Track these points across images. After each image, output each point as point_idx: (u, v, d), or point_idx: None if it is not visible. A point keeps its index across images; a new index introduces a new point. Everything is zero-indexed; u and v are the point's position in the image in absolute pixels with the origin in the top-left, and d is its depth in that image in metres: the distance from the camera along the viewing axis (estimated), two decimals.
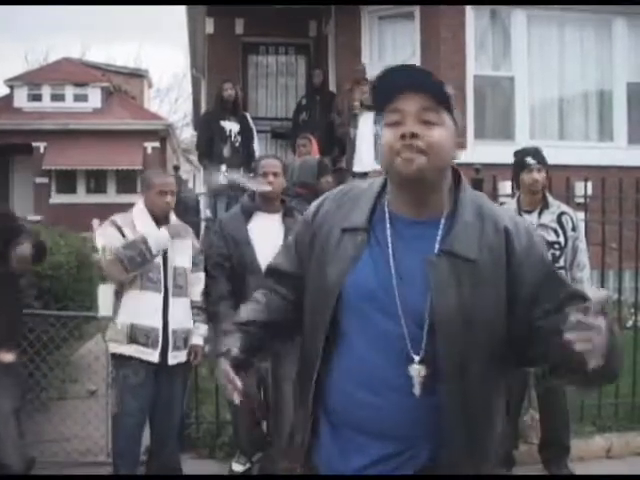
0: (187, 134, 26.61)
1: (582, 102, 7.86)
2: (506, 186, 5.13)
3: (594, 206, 4.74)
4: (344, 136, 7.28)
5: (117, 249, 3.32)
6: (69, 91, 22.09)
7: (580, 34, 7.75)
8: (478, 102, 7.43)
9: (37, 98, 21.93)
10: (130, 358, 3.38)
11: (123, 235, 3.40)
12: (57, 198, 21.43)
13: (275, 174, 3.76)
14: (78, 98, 22.09)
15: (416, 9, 7.52)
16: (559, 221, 3.81)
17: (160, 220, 3.53)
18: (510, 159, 4.01)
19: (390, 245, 1.55)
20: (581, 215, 4.26)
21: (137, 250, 3.33)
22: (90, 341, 5.93)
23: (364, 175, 6.28)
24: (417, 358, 1.49)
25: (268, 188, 3.73)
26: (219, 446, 4.26)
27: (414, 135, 1.49)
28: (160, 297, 3.43)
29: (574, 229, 3.81)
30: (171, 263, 3.50)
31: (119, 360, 3.44)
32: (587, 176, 4.76)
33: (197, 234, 4.69)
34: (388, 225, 1.58)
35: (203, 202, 7.23)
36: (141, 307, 3.39)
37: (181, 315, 3.52)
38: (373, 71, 6.83)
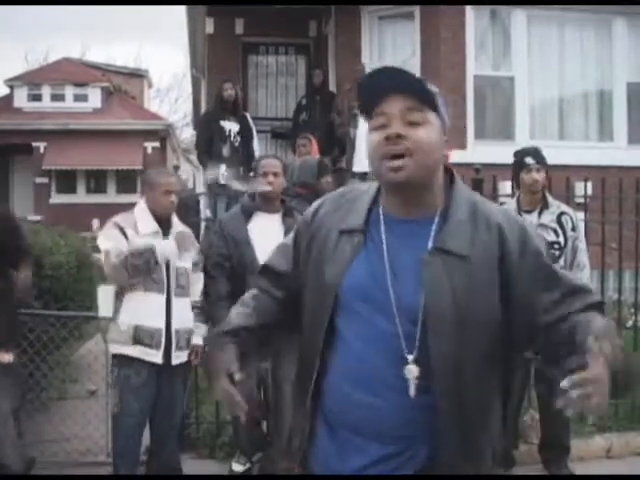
0: (187, 134, 26.65)
1: (582, 102, 7.85)
2: (506, 186, 5.13)
3: (594, 206, 4.74)
4: (344, 136, 7.28)
5: (123, 255, 3.30)
6: (69, 91, 22.09)
7: (580, 34, 7.75)
8: (478, 102, 7.43)
9: (37, 98, 21.94)
10: (132, 359, 3.38)
11: (126, 236, 3.39)
12: (57, 198, 21.44)
13: (275, 174, 3.76)
14: (78, 98, 22.10)
15: (416, 9, 7.52)
16: (559, 221, 3.81)
17: (162, 220, 3.52)
18: (510, 159, 4.01)
19: (385, 244, 1.56)
20: (581, 215, 4.27)
21: (143, 259, 3.33)
22: (90, 341, 5.94)
23: (364, 175, 6.28)
24: (411, 357, 1.49)
25: (268, 188, 3.73)
26: (219, 446, 4.26)
27: (399, 136, 1.50)
28: (163, 298, 3.43)
29: (574, 229, 3.82)
30: (173, 264, 3.50)
31: (121, 360, 3.43)
32: (587, 176, 4.76)
33: (197, 234, 4.69)
34: (382, 225, 1.59)
35: (203, 202, 7.23)
36: (145, 308, 3.38)
37: (183, 315, 3.52)
38: None
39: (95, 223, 19.40)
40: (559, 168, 4.76)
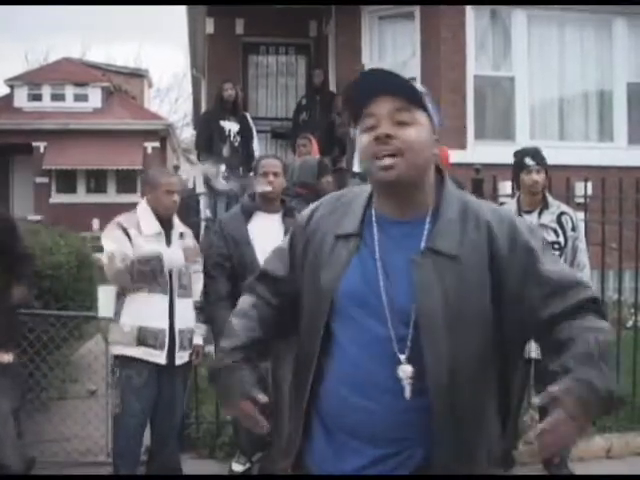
0: (187, 134, 26.66)
1: (582, 102, 7.85)
2: (506, 186, 5.13)
3: (594, 206, 4.74)
4: (344, 136, 7.28)
5: (129, 260, 3.30)
6: (69, 91, 22.10)
7: (580, 34, 7.75)
8: (478, 102, 7.43)
9: (37, 98, 21.95)
10: (133, 359, 3.37)
11: (129, 237, 3.38)
12: (57, 198, 21.45)
13: (275, 174, 3.76)
14: (78, 98, 22.11)
15: (416, 9, 7.52)
16: (559, 221, 3.81)
17: (164, 220, 3.52)
18: (510, 159, 4.01)
19: (377, 247, 1.56)
20: (581, 215, 4.27)
21: (150, 267, 3.33)
22: (90, 341, 5.94)
23: (364, 175, 6.28)
24: (403, 357, 1.49)
25: (268, 188, 3.73)
26: (219, 446, 4.26)
27: (389, 136, 1.51)
28: (166, 298, 3.43)
29: (574, 229, 3.82)
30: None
31: (122, 361, 3.42)
32: (587, 176, 4.76)
33: (197, 234, 4.69)
34: (375, 227, 1.59)
35: (203, 202, 7.24)
36: (149, 309, 3.37)
37: (186, 315, 3.52)
38: None
39: (95, 223, 19.45)
40: (559, 168, 4.76)
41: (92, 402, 4.68)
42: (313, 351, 1.59)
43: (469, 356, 1.49)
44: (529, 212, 3.85)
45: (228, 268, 3.70)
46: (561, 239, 3.79)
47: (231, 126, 7.30)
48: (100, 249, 3.59)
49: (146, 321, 3.36)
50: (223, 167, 7.16)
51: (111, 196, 21.44)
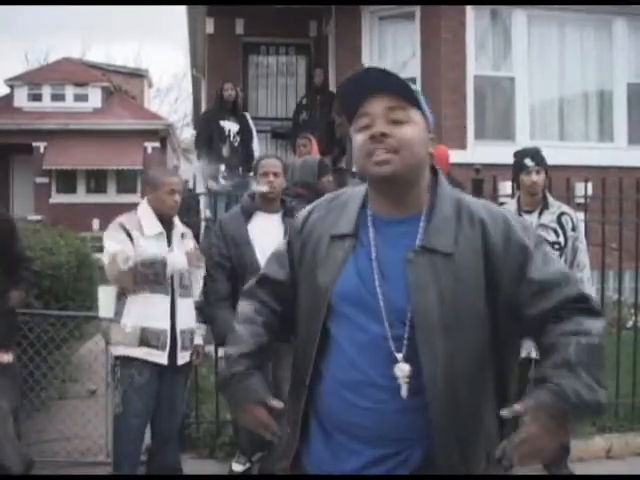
0: (187, 134, 26.67)
1: (582, 102, 7.86)
2: (506, 186, 5.13)
3: (594, 206, 4.74)
4: (344, 136, 7.27)
5: (132, 262, 3.29)
6: (69, 91, 22.11)
7: (580, 34, 7.75)
8: (478, 102, 7.43)
9: (37, 98, 21.96)
10: (135, 359, 3.36)
11: (131, 238, 3.38)
12: (57, 198, 21.46)
13: (275, 174, 3.76)
14: (78, 98, 22.12)
15: (416, 9, 7.52)
16: (559, 221, 3.81)
17: (165, 220, 3.52)
18: (510, 159, 4.01)
19: (373, 246, 1.57)
20: (581, 215, 4.26)
21: (154, 270, 3.33)
22: (90, 341, 5.92)
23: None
24: (400, 356, 1.50)
25: (264, 189, 3.73)
26: (219, 446, 4.26)
27: (384, 135, 1.51)
28: (168, 299, 3.42)
29: (574, 229, 3.81)
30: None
31: (123, 361, 3.41)
32: (587, 176, 4.76)
33: (197, 234, 4.69)
34: (371, 227, 1.59)
35: (203, 202, 7.23)
36: (151, 310, 3.36)
37: (187, 315, 3.52)
38: None
39: (95, 223, 19.46)
40: (559, 168, 4.76)
41: (92, 402, 4.68)
42: (310, 352, 1.59)
43: (465, 356, 1.49)
44: (529, 212, 3.85)
45: (228, 268, 3.70)
46: (561, 239, 3.78)
47: (231, 126, 7.30)
48: (100, 249, 3.58)
49: (148, 322, 3.35)
50: (223, 167, 7.17)
51: (111, 196, 21.46)
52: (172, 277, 3.44)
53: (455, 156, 5.64)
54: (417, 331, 1.48)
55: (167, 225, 3.53)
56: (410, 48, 7.68)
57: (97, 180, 22.00)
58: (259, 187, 3.77)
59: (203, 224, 6.27)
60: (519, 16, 7.47)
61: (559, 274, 1.55)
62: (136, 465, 3.50)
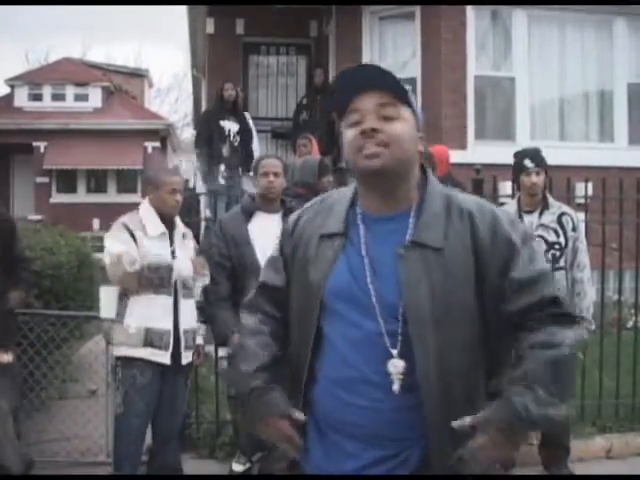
0: (187, 134, 26.67)
1: (583, 103, 7.85)
2: (506, 186, 5.13)
3: (595, 207, 4.74)
4: None
5: (139, 265, 3.29)
6: (70, 91, 22.12)
7: (581, 34, 7.75)
8: (479, 102, 7.42)
9: (38, 98, 21.97)
10: (137, 359, 3.36)
11: (134, 239, 3.38)
12: (57, 198, 21.47)
13: (276, 174, 3.76)
14: (79, 98, 22.13)
15: (417, 9, 7.51)
16: (559, 221, 3.81)
17: (167, 220, 3.52)
18: (511, 159, 4.01)
19: (363, 243, 1.57)
20: (582, 216, 4.26)
21: (159, 275, 3.33)
22: (90, 341, 5.93)
23: None
24: (395, 352, 1.50)
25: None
26: (219, 446, 4.26)
27: (374, 130, 1.52)
28: (171, 299, 3.42)
29: (574, 229, 3.81)
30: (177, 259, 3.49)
31: (126, 361, 3.40)
32: (588, 177, 4.76)
33: (197, 234, 4.69)
34: (361, 225, 1.60)
35: (203, 202, 7.24)
36: (154, 310, 3.36)
37: (190, 315, 3.52)
38: None
39: (95, 223, 19.46)
40: (560, 169, 4.75)
41: (92, 402, 4.69)
42: (305, 353, 1.59)
43: (456, 351, 1.50)
44: (529, 212, 3.85)
45: (228, 268, 3.70)
46: (562, 239, 3.78)
47: (231, 126, 7.31)
48: (101, 249, 3.58)
49: (152, 322, 3.35)
50: (223, 167, 7.17)
51: (111, 196, 21.46)
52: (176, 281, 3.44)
53: (455, 156, 5.63)
54: (410, 326, 1.49)
55: (169, 225, 3.52)
56: (410, 48, 7.68)
57: (97, 180, 22.01)
58: (257, 187, 3.79)
59: (203, 224, 6.28)
60: (519, 16, 7.46)
61: (539, 274, 1.55)
62: (137, 465, 3.50)
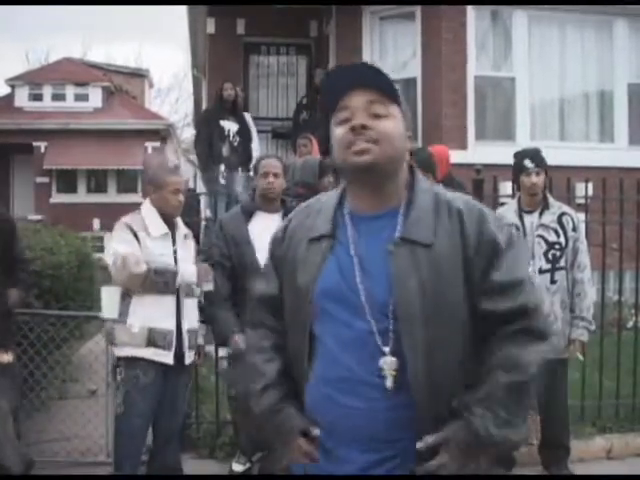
0: (188, 134, 26.68)
1: (583, 103, 7.85)
2: (507, 186, 5.12)
3: (595, 207, 4.74)
4: None
5: (145, 268, 3.28)
6: (70, 91, 22.12)
7: (581, 35, 7.75)
8: (479, 103, 7.42)
9: (38, 98, 21.97)
10: (139, 359, 3.35)
11: (137, 239, 3.37)
12: (58, 198, 21.46)
13: (275, 174, 3.76)
14: (79, 98, 22.13)
15: (417, 9, 7.52)
16: (560, 221, 3.81)
17: (169, 220, 3.51)
18: (511, 160, 4.01)
19: (352, 243, 1.57)
20: (582, 216, 4.26)
21: (164, 279, 3.33)
22: (91, 341, 5.93)
23: None
24: (387, 349, 1.50)
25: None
26: (219, 446, 4.26)
27: (364, 127, 1.52)
28: (174, 299, 3.42)
29: (575, 229, 3.81)
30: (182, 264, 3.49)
31: (128, 362, 3.38)
32: (588, 177, 4.76)
33: (197, 234, 4.69)
34: (349, 225, 1.60)
35: (203, 202, 7.24)
36: (157, 310, 3.35)
37: (192, 315, 3.52)
38: None
39: (96, 223, 19.46)
40: (560, 169, 4.75)
41: (92, 402, 4.69)
42: (302, 357, 1.59)
43: (445, 351, 1.49)
44: (530, 212, 3.85)
45: (228, 268, 3.70)
46: (562, 239, 3.78)
47: (230, 126, 7.31)
48: (101, 249, 3.58)
49: (155, 322, 3.34)
50: (222, 167, 7.17)
51: (112, 196, 21.46)
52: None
53: (456, 156, 5.63)
54: (400, 323, 1.49)
55: (171, 226, 3.52)
56: (411, 48, 7.68)
57: (97, 180, 22.01)
58: (258, 186, 3.80)
59: (203, 224, 6.28)
60: (520, 16, 7.46)
61: (520, 280, 1.55)
62: (137, 465, 3.50)
